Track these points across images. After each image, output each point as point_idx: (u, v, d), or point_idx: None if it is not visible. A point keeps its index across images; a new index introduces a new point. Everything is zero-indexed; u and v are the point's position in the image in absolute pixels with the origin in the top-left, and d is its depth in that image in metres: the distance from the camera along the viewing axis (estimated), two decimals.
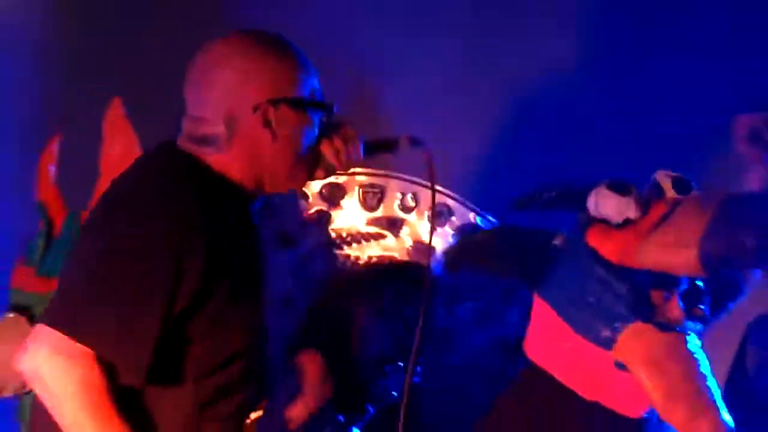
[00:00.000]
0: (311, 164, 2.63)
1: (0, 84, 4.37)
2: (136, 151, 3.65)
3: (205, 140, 2.56)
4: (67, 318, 2.40)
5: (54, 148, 3.76)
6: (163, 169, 2.60)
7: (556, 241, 3.27)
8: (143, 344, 2.40)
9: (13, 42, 4.34)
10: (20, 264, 3.74)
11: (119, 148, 3.71)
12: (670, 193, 3.11)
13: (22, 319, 3.60)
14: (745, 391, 3.59)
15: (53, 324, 2.38)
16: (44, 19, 4.39)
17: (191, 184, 2.53)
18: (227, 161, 2.57)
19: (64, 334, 2.35)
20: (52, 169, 3.78)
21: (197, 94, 2.60)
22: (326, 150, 2.62)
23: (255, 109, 2.54)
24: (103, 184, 3.32)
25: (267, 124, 2.54)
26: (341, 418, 3.33)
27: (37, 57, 4.37)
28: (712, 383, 3.07)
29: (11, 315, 3.64)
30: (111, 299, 2.42)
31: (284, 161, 2.60)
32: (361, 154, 2.71)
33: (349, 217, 4.02)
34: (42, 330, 2.39)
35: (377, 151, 2.84)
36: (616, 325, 3.06)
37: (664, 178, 3.10)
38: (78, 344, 2.34)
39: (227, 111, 2.55)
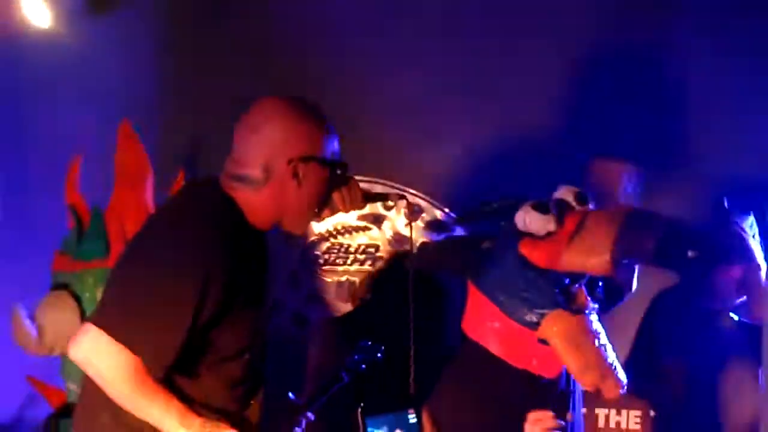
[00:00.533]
0: (322, 207, 2.88)
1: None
2: (144, 158, 4.09)
3: (242, 179, 2.79)
4: (110, 321, 2.68)
5: (77, 163, 4.13)
6: (201, 207, 2.85)
7: (486, 244, 3.51)
8: (168, 350, 2.69)
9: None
10: (59, 254, 4.11)
11: (130, 156, 4.09)
12: (575, 204, 3.39)
13: (65, 293, 3.97)
14: (646, 358, 3.99)
15: (99, 324, 2.67)
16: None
17: (221, 224, 2.79)
18: (256, 199, 2.80)
19: (107, 333, 2.65)
20: (76, 180, 4.13)
21: (244, 142, 2.81)
22: (336, 197, 2.87)
23: (289, 162, 2.76)
24: (119, 185, 4.03)
25: (295, 175, 2.77)
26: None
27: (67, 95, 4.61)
28: (609, 350, 3.37)
29: (56, 291, 4.00)
30: (147, 311, 2.69)
31: (302, 204, 2.84)
32: (361, 202, 2.98)
33: (343, 213, 4.30)
34: (90, 328, 2.68)
35: (372, 200, 3.14)
36: (540, 311, 3.31)
37: (567, 193, 3.38)
38: (117, 342, 2.64)
39: (266, 160, 2.77)
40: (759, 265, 3.77)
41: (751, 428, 3.93)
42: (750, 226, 3.82)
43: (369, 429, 3.29)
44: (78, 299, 3.89)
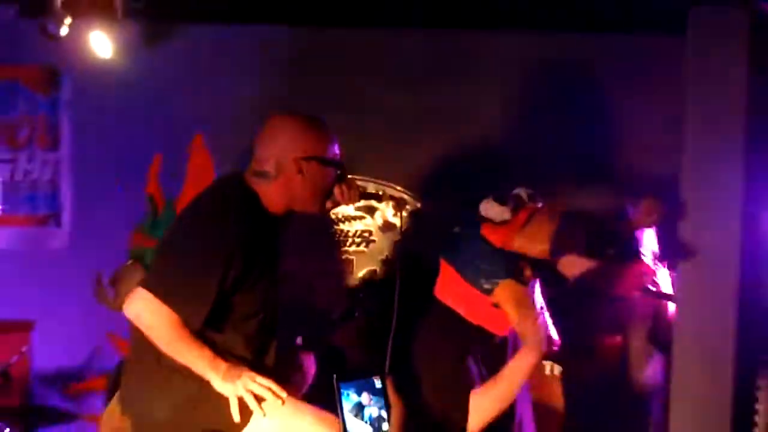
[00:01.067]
0: (324, 199, 3.05)
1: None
2: (209, 167, 4.32)
3: (261, 174, 2.99)
4: (156, 286, 2.86)
5: (159, 161, 4.42)
6: (226, 197, 2.99)
7: (455, 229, 3.64)
8: (201, 307, 2.86)
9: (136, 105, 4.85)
10: (136, 232, 4.51)
11: (198, 163, 4.38)
12: (527, 201, 3.56)
13: (138, 264, 4.24)
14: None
15: (148, 288, 2.86)
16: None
17: (242, 209, 2.95)
18: (270, 190, 2.99)
19: (153, 295, 2.84)
20: (158, 174, 4.42)
21: (263, 145, 3.01)
22: (336, 191, 3.04)
23: (295, 161, 2.95)
24: (188, 185, 4.33)
25: (300, 171, 2.95)
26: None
27: (144, 109, 4.88)
28: (546, 315, 3.56)
29: (130, 261, 4.32)
30: (184, 277, 2.86)
31: (306, 196, 3.02)
32: (358, 197, 3.14)
33: (344, 205, 4.08)
34: (141, 291, 2.87)
35: (367, 198, 3.35)
36: (494, 281, 3.47)
37: (522, 193, 3.57)
38: (162, 302, 2.82)
39: (278, 159, 2.96)
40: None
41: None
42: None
43: (342, 391, 3.24)
44: (146, 268, 4.04)
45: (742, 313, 3.56)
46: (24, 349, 4.54)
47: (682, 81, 3.61)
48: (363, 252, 4.75)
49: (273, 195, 2.98)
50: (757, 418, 3.70)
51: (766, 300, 3.71)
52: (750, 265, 3.64)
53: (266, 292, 3.03)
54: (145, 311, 2.87)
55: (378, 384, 3.38)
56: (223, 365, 2.89)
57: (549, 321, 3.55)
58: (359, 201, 3.32)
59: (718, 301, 3.58)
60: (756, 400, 3.68)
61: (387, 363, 3.30)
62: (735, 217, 3.59)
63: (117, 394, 3.62)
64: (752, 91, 3.60)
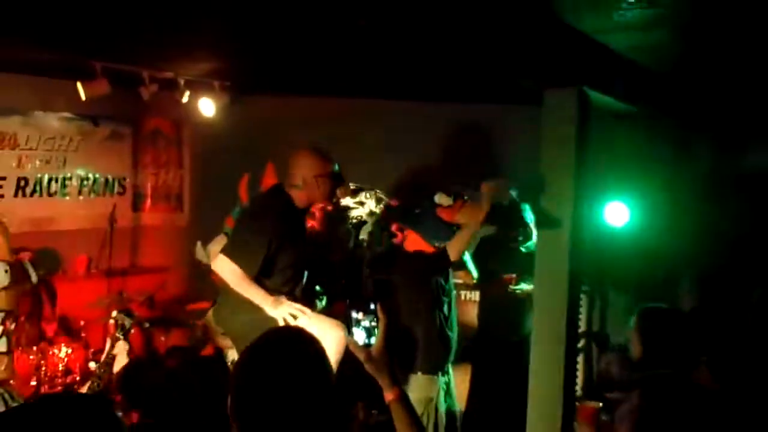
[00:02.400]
0: (331, 197, 3.81)
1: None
2: (275, 179, 5.23)
3: (293, 185, 3.67)
4: (228, 251, 3.61)
5: (246, 180, 5.82)
6: (273, 198, 3.67)
7: (417, 210, 4.28)
8: (254, 263, 3.56)
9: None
10: (228, 217, 5.53)
11: (269, 179, 5.59)
12: (462, 195, 4.14)
13: (224, 237, 4.87)
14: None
15: (224, 253, 3.61)
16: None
17: (281, 205, 3.61)
18: (299, 195, 3.67)
19: (226, 257, 3.59)
20: (245, 186, 5.82)
21: (293, 167, 3.69)
22: (338, 192, 3.81)
23: (315, 177, 3.65)
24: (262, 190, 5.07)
25: (317, 183, 3.65)
26: None
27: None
28: (472, 264, 4.33)
29: (221, 235, 5.08)
30: (245, 246, 3.58)
31: (320, 197, 3.72)
32: (350, 193, 4.22)
33: (345, 201, 5.43)
34: (220, 255, 3.62)
35: (356, 192, 4.68)
36: (444, 241, 4.01)
37: (459, 190, 4.14)
38: (230, 260, 3.57)
39: (303, 176, 3.66)
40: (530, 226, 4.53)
41: None
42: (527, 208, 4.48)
43: (349, 310, 4.04)
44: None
45: (571, 256, 3.84)
46: (162, 284, 5.89)
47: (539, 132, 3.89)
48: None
49: (301, 197, 3.72)
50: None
51: (586, 251, 3.99)
52: (574, 245, 3.91)
53: (296, 254, 3.71)
54: (222, 266, 3.58)
55: (372, 306, 4.37)
56: (271, 298, 3.56)
57: (471, 264, 4.37)
58: (351, 195, 4.40)
59: (559, 249, 3.84)
60: (580, 306, 4.12)
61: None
62: (567, 216, 3.85)
63: (211, 310, 4.53)
64: (579, 139, 3.84)
